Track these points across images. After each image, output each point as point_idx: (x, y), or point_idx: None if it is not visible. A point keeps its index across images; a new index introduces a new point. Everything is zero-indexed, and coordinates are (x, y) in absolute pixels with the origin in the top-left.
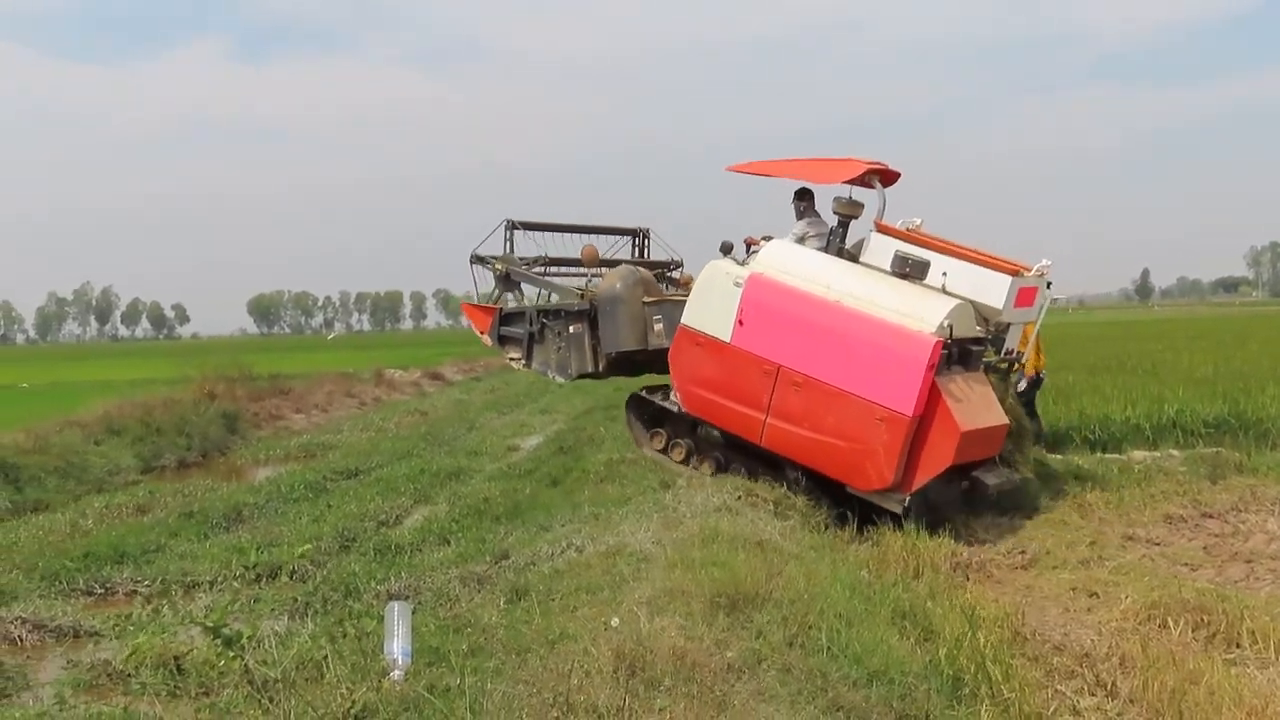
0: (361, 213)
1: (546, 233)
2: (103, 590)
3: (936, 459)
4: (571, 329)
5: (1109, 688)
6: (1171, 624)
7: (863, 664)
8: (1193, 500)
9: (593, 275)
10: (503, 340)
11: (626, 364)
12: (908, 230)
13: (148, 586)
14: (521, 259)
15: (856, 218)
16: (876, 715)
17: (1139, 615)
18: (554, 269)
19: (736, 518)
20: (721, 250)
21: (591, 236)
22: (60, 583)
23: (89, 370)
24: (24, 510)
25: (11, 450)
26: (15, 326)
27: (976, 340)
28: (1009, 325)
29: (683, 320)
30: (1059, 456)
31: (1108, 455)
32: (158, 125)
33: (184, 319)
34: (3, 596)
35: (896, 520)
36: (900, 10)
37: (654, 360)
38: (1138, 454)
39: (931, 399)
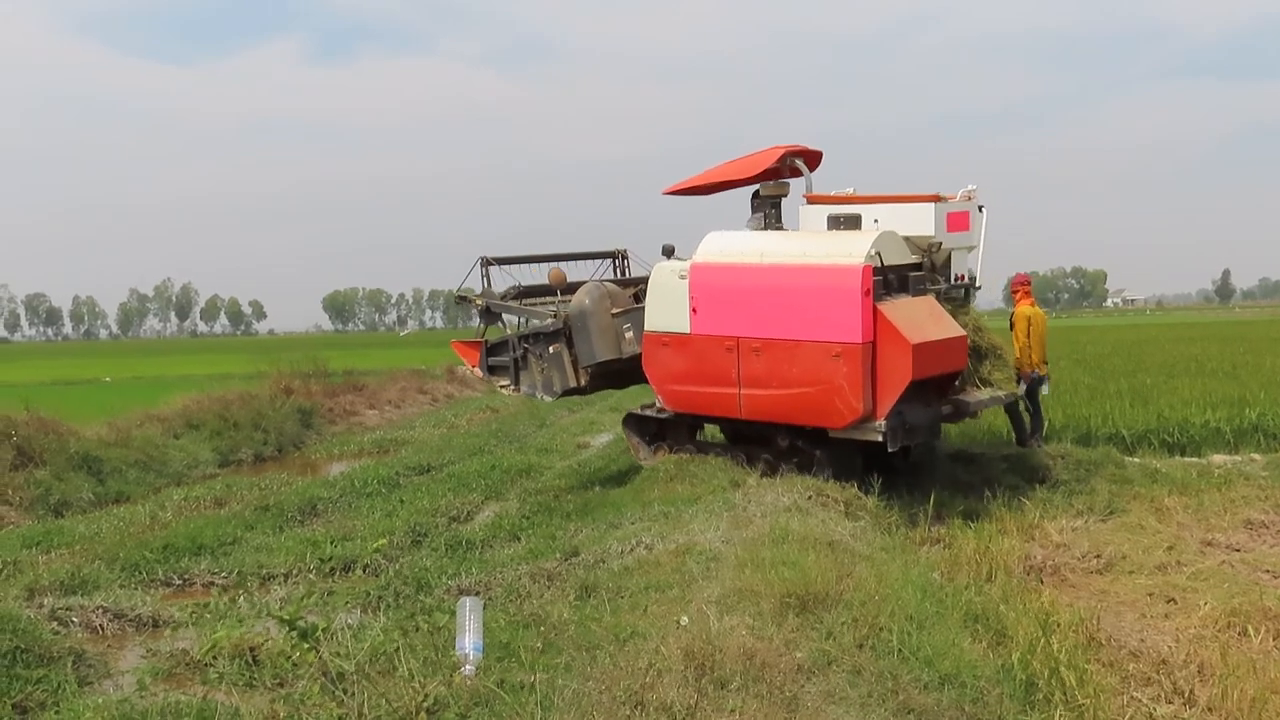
0: (434, 209)
1: (535, 262)
2: (181, 581)
3: (896, 377)
4: (550, 349)
5: (1186, 695)
6: (1252, 631)
7: (934, 667)
8: (1274, 505)
9: (565, 298)
10: (492, 370)
11: (608, 376)
12: (835, 195)
13: (224, 578)
14: (502, 293)
15: (784, 196)
16: (947, 719)
17: (1218, 622)
18: (530, 298)
19: (807, 517)
20: (664, 253)
21: (568, 264)
22: (140, 573)
23: (169, 365)
24: (106, 502)
25: (94, 443)
26: (99, 322)
27: (914, 266)
28: (949, 251)
29: (645, 326)
30: (1135, 459)
31: (1186, 459)
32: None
33: (261, 315)
34: (85, 586)
35: (900, 472)
36: (976, 4)
37: (633, 369)
38: (1217, 458)
39: (878, 324)
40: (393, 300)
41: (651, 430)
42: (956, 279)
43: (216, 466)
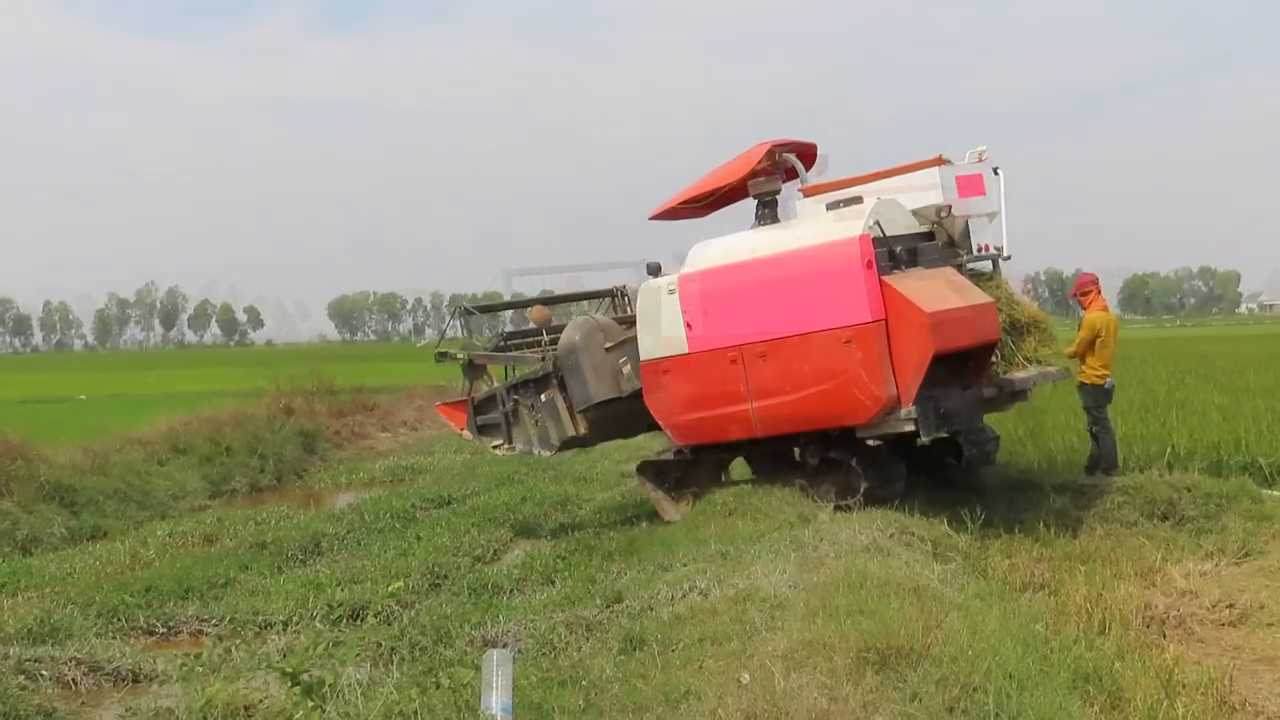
0: (456, 202)
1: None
2: (165, 629)
3: (916, 354)
4: (543, 397)
5: None
6: None
7: None
8: None
9: (554, 338)
10: (482, 430)
11: (612, 421)
12: (833, 181)
13: (215, 626)
14: (484, 341)
15: (777, 192)
16: None
17: None
18: (516, 343)
19: (888, 559)
20: (649, 272)
21: (560, 305)
22: (119, 620)
23: (152, 381)
24: (80, 538)
25: (68, 471)
26: (73, 331)
27: (924, 237)
28: (966, 220)
29: (641, 357)
30: (1275, 493)
31: None
32: (229, 104)
33: (257, 323)
34: (56, 634)
35: (956, 481)
36: None
37: (638, 409)
38: None
39: (888, 297)
40: (408, 306)
41: (673, 478)
42: (980, 249)
43: (207, 497)
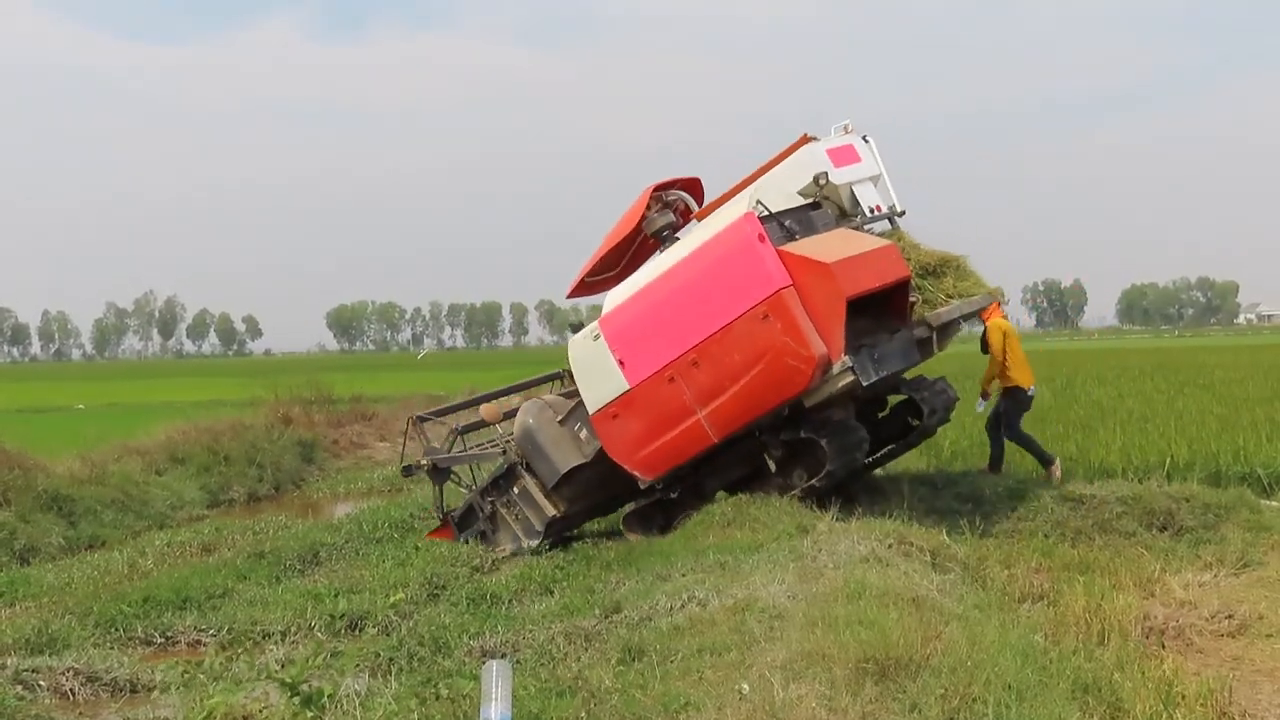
0: (456, 210)
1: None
2: (163, 639)
3: (831, 303)
4: (515, 490)
5: None
6: None
7: None
8: None
9: (507, 433)
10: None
11: (587, 493)
12: (716, 199)
13: (213, 636)
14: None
15: (673, 226)
16: None
17: None
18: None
19: (887, 569)
20: (572, 330)
21: (505, 396)
22: (117, 630)
23: (150, 390)
24: (78, 548)
25: (65, 480)
26: (71, 340)
27: (811, 207)
28: (850, 186)
29: (589, 411)
30: (1274, 503)
31: None
32: (228, 111)
33: (256, 333)
34: (54, 645)
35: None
36: None
37: (610, 473)
38: None
39: (789, 263)
40: (407, 316)
41: (659, 523)
42: (873, 211)
43: (205, 507)
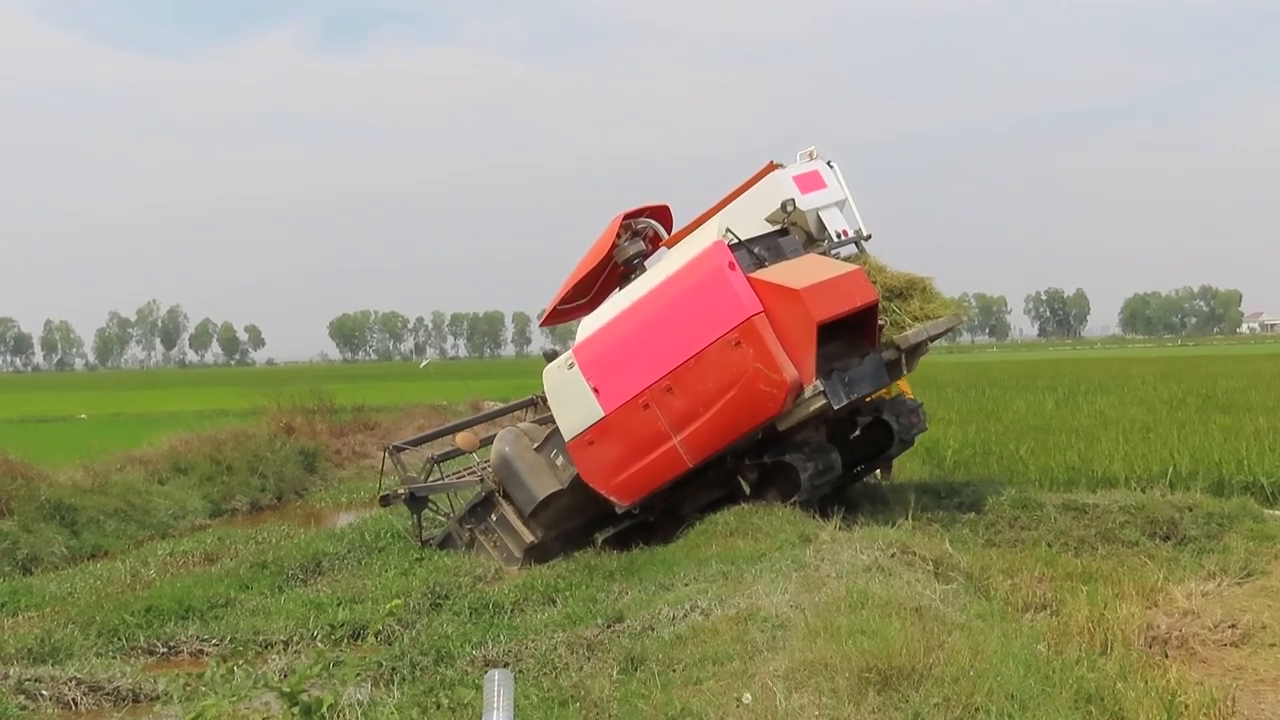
0: (458, 220)
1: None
2: (166, 649)
3: (801, 329)
4: (494, 517)
5: None
6: None
7: None
8: None
9: (483, 461)
10: None
11: (564, 520)
12: (684, 227)
13: (216, 646)
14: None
15: (643, 254)
16: None
17: None
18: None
19: (889, 579)
20: (546, 358)
21: (480, 423)
22: (119, 639)
23: (153, 400)
24: (81, 557)
25: (68, 490)
26: (74, 350)
27: (779, 233)
28: (817, 212)
29: (565, 438)
30: (1277, 513)
31: None
32: (229, 123)
33: (259, 342)
34: (57, 654)
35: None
36: None
37: (586, 500)
38: None
39: (759, 290)
40: (410, 325)
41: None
42: (840, 235)
43: (207, 517)
